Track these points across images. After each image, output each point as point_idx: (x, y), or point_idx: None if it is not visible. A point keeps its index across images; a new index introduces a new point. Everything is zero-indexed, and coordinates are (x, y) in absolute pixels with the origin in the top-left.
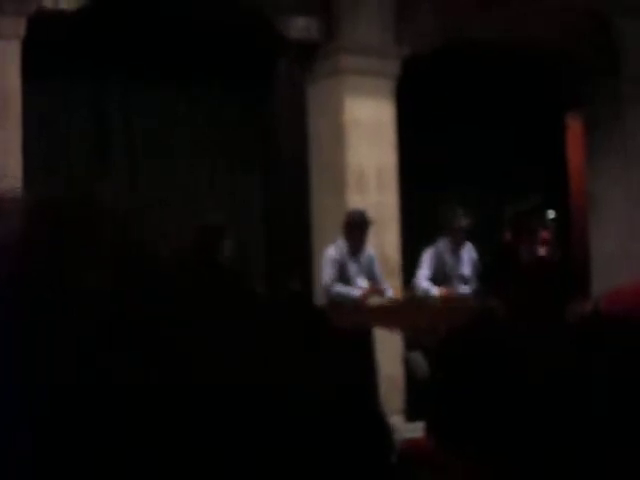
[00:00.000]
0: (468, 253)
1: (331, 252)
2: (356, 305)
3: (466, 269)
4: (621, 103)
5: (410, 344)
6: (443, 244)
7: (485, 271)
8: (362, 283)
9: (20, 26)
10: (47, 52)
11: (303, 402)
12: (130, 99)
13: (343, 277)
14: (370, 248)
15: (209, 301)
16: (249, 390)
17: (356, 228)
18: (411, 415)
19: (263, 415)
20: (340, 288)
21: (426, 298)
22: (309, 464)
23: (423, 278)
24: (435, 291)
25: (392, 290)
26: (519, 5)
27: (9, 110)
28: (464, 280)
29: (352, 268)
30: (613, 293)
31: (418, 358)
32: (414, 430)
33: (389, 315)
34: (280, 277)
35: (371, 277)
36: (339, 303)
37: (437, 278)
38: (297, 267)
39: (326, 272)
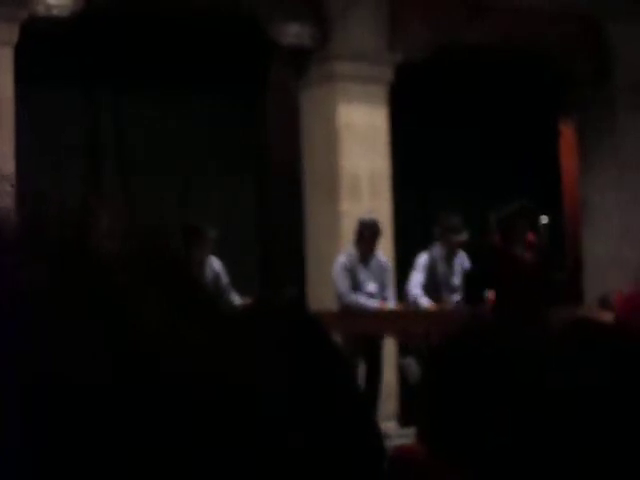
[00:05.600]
0: (461, 262)
1: (342, 260)
2: (363, 313)
3: (457, 279)
4: (613, 109)
5: (404, 350)
6: (437, 251)
7: (474, 275)
8: (371, 288)
9: (13, 32)
10: (39, 58)
11: (292, 406)
12: (123, 104)
13: (353, 283)
14: (383, 256)
15: (152, 300)
16: (224, 391)
17: (367, 236)
18: (405, 420)
19: (246, 419)
20: (360, 299)
21: (416, 310)
22: (301, 470)
23: (416, 284)
24: (425, 302)
25: (394, 301)
26: (512, 12)
27: (2, 117)
28: (454, 290)
29: (362, 274)
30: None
31: (412, 364)
32: (408, 435)
33: (383, 321)
34: (274, 282)
35: (381, 283)
36: (347, 310)
37: (428, 286)
38: (291, 272)
39: (340, 281)
